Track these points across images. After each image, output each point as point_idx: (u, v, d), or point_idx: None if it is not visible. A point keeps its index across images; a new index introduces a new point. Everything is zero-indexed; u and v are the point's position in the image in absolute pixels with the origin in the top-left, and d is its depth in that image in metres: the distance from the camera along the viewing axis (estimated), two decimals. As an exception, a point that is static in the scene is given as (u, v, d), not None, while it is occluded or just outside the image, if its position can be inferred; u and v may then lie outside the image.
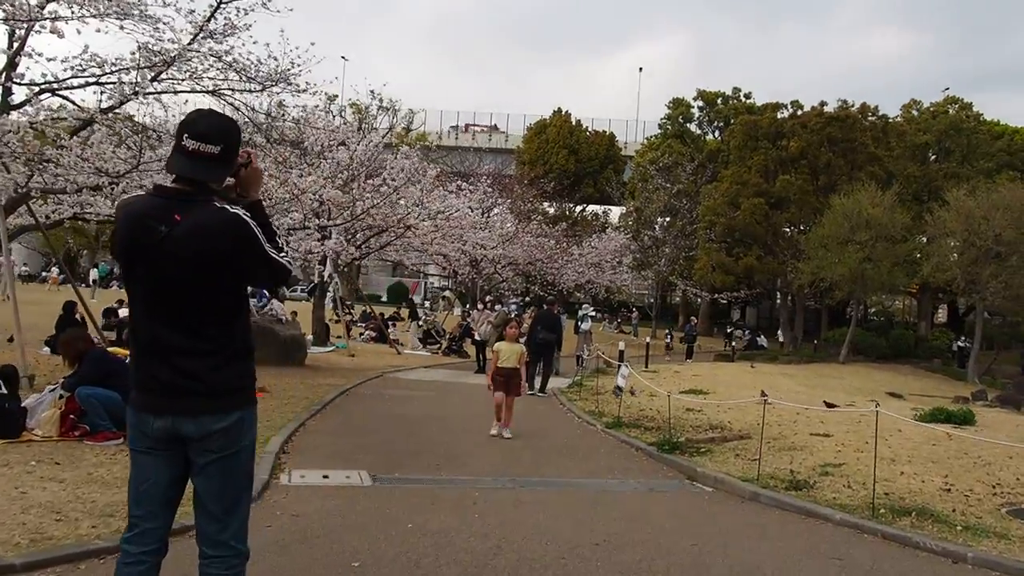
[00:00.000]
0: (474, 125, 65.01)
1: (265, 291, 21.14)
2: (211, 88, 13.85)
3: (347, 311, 38.31)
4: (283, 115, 15.51)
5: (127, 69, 12.90)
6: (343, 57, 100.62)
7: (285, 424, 10.57)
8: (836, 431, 11.27)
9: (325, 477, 7.80)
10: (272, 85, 13.41)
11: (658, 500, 7.83)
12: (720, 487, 8.29)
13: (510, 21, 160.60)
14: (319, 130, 15.43)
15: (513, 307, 21.44)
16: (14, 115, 12.69)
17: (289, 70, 13.94)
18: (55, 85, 12.71)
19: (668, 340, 30.30)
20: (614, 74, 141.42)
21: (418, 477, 8.10)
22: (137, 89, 12.85)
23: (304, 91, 14.55)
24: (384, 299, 57.66)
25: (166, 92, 13.69)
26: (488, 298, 30.27)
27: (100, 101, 12.99)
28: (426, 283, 62.18)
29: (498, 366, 10.89)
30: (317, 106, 19.86)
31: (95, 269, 47.84)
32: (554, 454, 9.98)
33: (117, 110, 13.21)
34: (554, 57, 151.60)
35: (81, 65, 12.59)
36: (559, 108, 62.58)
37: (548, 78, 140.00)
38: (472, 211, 27.00)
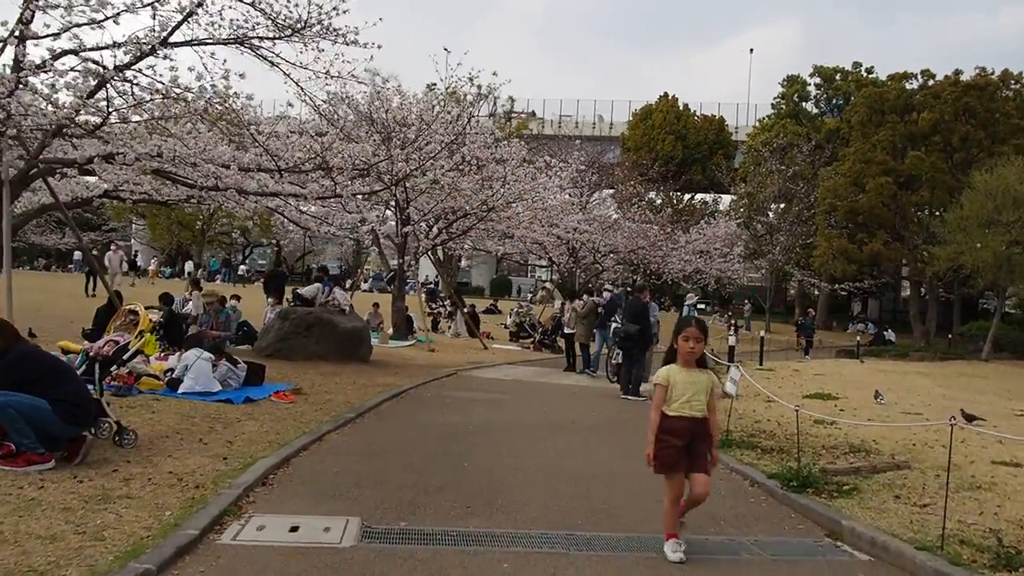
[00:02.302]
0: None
1: (328, 280, 19.22)
2: (238, 37, 11.79)
3: (440, 304, 36.58)
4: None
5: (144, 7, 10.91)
6: (445, 49, 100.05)
7: (294, 438, 8.33)
8: (1027, 457, 8.30)
9: (293, 530, 5.42)
10: (303, 28, 11.17)
11: (786, 578, 5.15)
12: (881, 555, 5.47)
13: (617, 15, 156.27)
14: (376, 89, 13.06)
15: (607, 295, 18.41)
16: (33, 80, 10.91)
17: (328, 14, 11.73)
18: (75, 47, 10.86)
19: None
20: (723, 59, 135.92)
21: (432, 529, 5.63)
22: (155, 43, 10.87)
23: (353, 42, 12.31)
24: (487, 292, 56.30)
25: (188, 44, 11.63)
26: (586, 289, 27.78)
27: (115, 57, 11.08)
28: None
29: (671, 414, 5.55)
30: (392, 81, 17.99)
31: (189, 262, 47.57)
32: (636, 489, 7.36)
33: (135, 67, 11.23)
34: (661, 48, 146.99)
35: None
36: (665, 93, 59.29)
37: (656, 68, 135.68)
38: (562, 190, 24.40)
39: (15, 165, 11.56)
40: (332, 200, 11.97)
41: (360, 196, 12.83)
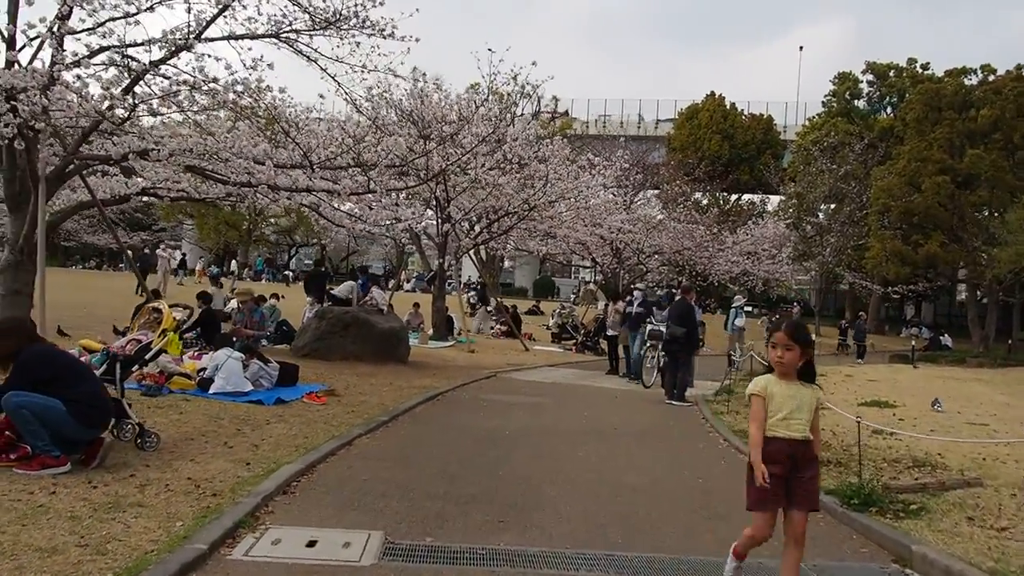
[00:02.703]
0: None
1: (366, 279, 18.98)
2: (274, 31, 11.51)
3: (480, 304, 36.30)
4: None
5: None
6: (490, 50, 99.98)
7: (323, 443, 7.98)
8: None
9: (310, 544, 5.04)
10: (338, 21, 10.82)
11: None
12: (958, 587, 4.97)
13: (663, 15, 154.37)
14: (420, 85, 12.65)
15: (637, 296, 17.28)
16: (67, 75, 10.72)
17: (363, 5, 11.38)
18: (110, 43, 10.65)
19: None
20: (771, 58, 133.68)
21: (459, 546, 5.21)
22: (190, 39, 10.60)
23: (390, 35, 11.96)
24: (530, 293, 56.04)
25: (223, 39, 11.36)
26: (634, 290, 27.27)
27: (149, 52, 10.85)
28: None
29: (772, 435, 4.51)
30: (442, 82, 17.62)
31: (234, 261, 48.11)
32: (682, 502, 6.89)
33: (169, 63, 10.99)
34: (708, 48, 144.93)
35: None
36: (712, 91, 58.32)
37: (702, 68, 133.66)
38: (606, 189, 23.90)
39: (51, 161, 11.40)
40: (368, 197, 11.59)
41: (397, 192, 12.47)
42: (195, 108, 9.76)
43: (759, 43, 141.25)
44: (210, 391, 10.30)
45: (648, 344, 15.71)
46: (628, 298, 17.60)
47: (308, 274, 30.40)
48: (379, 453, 8.05)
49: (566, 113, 59.44)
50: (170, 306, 7.45)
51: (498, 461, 8.00)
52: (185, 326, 15.19)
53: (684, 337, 13.74)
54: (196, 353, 12.17)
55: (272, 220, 51.38)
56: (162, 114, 10.06)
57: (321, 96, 10.73)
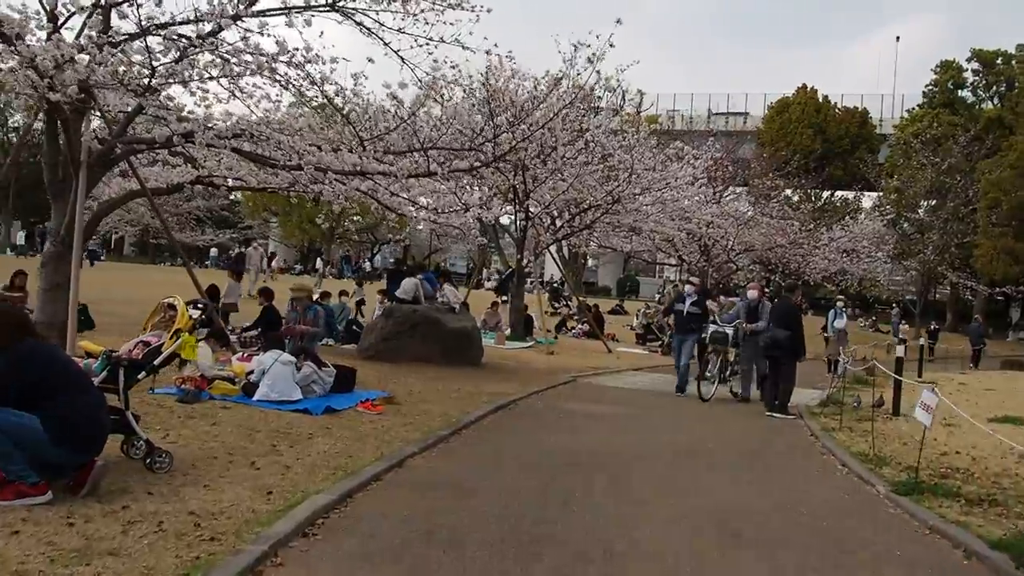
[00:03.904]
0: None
1: (434, 274, 17.94)
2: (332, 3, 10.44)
3: (565, 304, 35.14)
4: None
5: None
6: (574, 46, 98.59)
7: (368, 464, 6.79)
8: None
9: (317, 620, 3.85)
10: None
11: None
12: None
13: (754, 15, 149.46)
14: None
15: (690, 292, 14.60)
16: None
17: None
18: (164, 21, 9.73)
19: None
20: (866, 51, 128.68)
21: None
22: (241, 13, 9.60)
23: (458, 5, 10.77)
24: (614, 292, 54.59)
25: (277, 12, 10.34)
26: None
27: (197, 28, 9.90)
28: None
29: None
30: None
31: (319, 259, 48.26)
32: (803, 556, 5.45)
33: (213, 38, 10.01)
34: (800, 46, 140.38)
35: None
36: (804, 84, 55.79)
37: (789, 64, 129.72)
38: (696, 180, 22.33)
39: (94, 147, 10.58)
40: (428, 180, 10.38)
41: (465, 178, 11.28)
42: (223, 74, 8.70)
43: (854, 38, 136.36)
44: (254, 398, 9.28)
45: (709, 350, 13.91)
46: (723, 299, 15.95)
47: (389, 272, 29.55)
48: (430, 479, 6.79)
49: (638, 112, 57.93)
50: (186, 303, 6.36)
51: (572, 493, 6.64)
52: (247, 325, 14.41)
53: (787, 341, 12.14)
54: (245, 355, 11.18)
55: (355, 218, 51.22)
56: (187, 82, 9.03)
57: (370, 60, 9.48)
